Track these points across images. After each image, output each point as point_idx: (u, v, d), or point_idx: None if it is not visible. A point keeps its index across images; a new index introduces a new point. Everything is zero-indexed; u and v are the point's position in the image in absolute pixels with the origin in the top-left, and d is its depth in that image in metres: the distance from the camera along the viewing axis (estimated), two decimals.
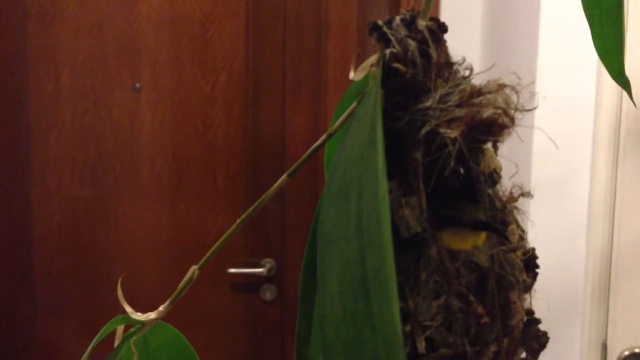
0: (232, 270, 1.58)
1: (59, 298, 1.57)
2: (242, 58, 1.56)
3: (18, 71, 1.53)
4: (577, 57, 1.18)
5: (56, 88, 1.55)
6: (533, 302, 0.30)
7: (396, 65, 0.26)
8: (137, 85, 1.54)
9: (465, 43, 1.45)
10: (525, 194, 0.30)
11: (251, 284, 1.61)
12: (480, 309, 0.26)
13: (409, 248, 0.26)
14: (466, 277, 0.26)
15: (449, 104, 0.25)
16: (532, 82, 1.05)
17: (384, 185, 0.21)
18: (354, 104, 0.28)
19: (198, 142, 1.57)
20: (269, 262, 1.59)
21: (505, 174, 0.33)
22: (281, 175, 0.33)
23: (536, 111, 1.21)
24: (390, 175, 0.26)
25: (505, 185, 0.30)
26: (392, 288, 0.20)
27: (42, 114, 1.54)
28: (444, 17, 1.46)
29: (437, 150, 0.25)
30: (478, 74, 0.27)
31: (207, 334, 1.61)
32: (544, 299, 1.14)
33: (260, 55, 1.56)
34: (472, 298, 0.26)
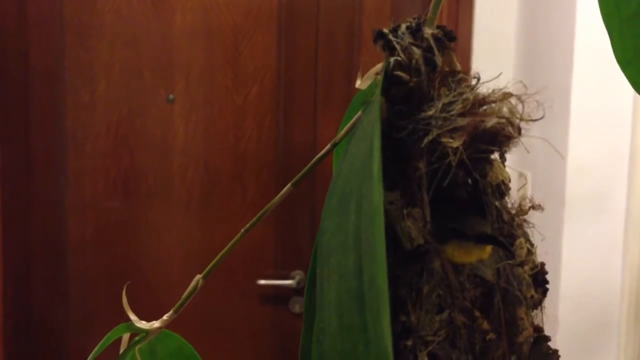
0: (262, 281, 1.58)
1: (92, 306, 1.59)
2: (274, 70, 1.56)
3: (56, 82, 1.56)
4: (613, 69, 1.15)
5: (92, 99, 1.57)
6: (545, 319, 0.29)
7: (399, 73, 0.25)
8: (171, 96, 1.56)
9: (499, 55, 1.43)
10: (536, 207, 0.29)
11: (280, 296, 1.60)
12: (485, 325, 0.25)
13: (411, 260, 0.25)
14: (471, 291, 0.25)
15: (451, 112, 0.24)
16: (567, 94, 1.02)
17: (378, 195, 0.20)
18: (358, 113, 0.28)
19: (229, 154, 1.58)
20: (298, 274, 1.58)
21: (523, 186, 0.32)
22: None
23: (571, 125, 1.19)
24: (393, 186, 0.26)
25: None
26: (384, 302, 0.19)
27: (78, 124, 1.57)
28: (477, 29, 1.45)
29: (438, 160, 0.24)
30: (486, 82, 0.26)
31: (235, 345, 1.60)
32: (579, 317, 1.11)
33: (292, 67, 1.56)
34: (477, 313, 0.25)
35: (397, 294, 0.25)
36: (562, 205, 1.18)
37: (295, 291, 1.59)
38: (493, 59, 1.42)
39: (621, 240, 1.19)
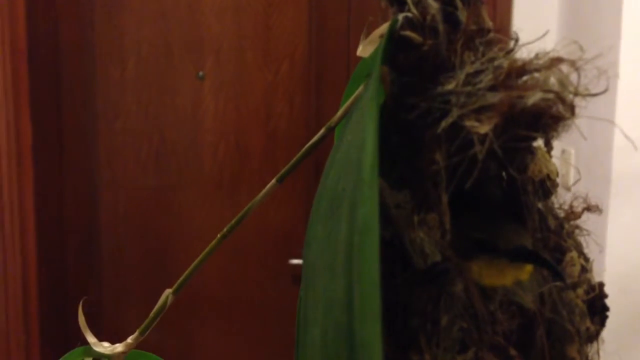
0: (294, 261, 1.55)
1: (125, 284, 1.59)
2: (305, 45, 1.51)
3: (86, 60, 1.55)
4: None
5: (122, 77, 1.56)
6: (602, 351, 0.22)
7: (408, 33, 0.19)
8: (201, 73, 1.53)
9: (541, 13, 1.35)
10: (592, 208, 0.22)
11: None
12: None
13: (426, 282, 0.19)
14: (505, 323, 0.19)
15: (478, 86, 0.18)
16: (615, 61, 0.94)
17: (372, 203, 0.15)
18: (360, 88, 0.22)
19: (260, 131, 1.54)
20: None
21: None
22: None
23: (619, 96, 1.09)
24: (402, 183, 0.19)
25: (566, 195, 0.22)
26: (375, 349, 0.14)
27: (108, 102, 1.56)
28: None
29: (460, 150, 0.18)
30: (526, 44, 0.19)
31: (268, 325, 1.58)
32: (625, 301, 1.03)
33: (324, 42, 1.51)
34: (512, 352, 0.19)
35: (407, 326, 0.19)
36: (607, 183, 1.11)
37: None
38: (534, 19, 1.34)
39: None
